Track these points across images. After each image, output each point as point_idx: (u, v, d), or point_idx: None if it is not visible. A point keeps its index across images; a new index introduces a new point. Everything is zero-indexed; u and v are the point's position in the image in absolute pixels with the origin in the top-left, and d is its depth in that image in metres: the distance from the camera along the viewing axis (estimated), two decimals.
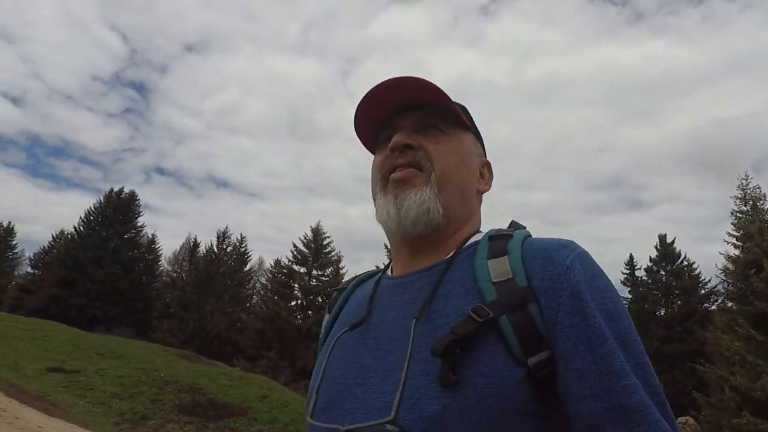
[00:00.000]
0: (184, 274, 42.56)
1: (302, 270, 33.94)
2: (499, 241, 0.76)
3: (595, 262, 0.72)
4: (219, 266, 36.44)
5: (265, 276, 45.69)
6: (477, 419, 0.63)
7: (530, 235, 0.78)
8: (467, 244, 0.80)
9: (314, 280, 33.71)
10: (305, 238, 34.51)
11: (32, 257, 43.02)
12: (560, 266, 0.68)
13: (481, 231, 0.86)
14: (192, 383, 13.61)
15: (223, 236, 38.74)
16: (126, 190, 40.55)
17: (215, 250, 38.17)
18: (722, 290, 23.95)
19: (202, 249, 41.63)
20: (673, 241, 29.42)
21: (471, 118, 0.91)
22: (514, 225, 0.85)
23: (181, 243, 49.36)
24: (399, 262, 0.87)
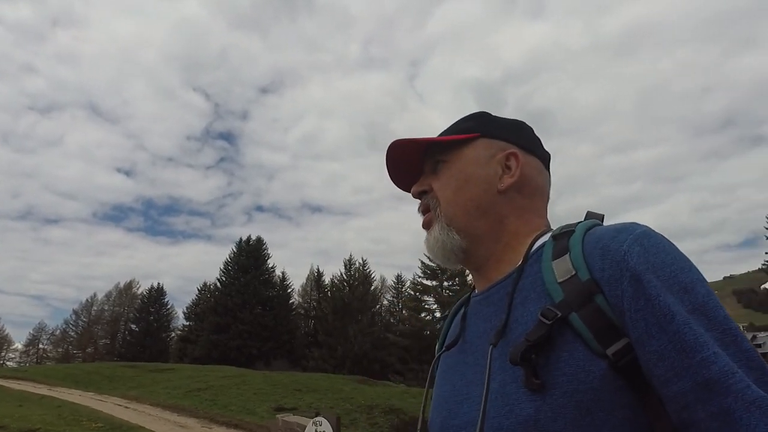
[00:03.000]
0: (314, 303, 45.93)
1: (434, 283, 35.80)
2: (561, 239, 0.76)
3: (659, 237, 0.68)
4: (352, 291, 39.31)
5: (390, 293, 48.08)
6: (570, 417, 0.63)
7: (595, 225, 0.76)
8: (535, 247, 0.80)
9: (447, 291, 35.29)
10: None
11: (185, 310, 48.04)
12: (617, 253, 0.67)
13: (552, 229, 0.84)
14: (388, 404, 15.09)
15: (349, 264, 41.95)
16: (252, 236, 44.99)
17: (344, 277, 41.36)
18: None
19: (326, 278, 44.67)
20: None
21: (485, 120, 0.90)
22: (589, 216, 0.82)
23: (306, 274, 52.90)
24: (476, 281, 0.90)
